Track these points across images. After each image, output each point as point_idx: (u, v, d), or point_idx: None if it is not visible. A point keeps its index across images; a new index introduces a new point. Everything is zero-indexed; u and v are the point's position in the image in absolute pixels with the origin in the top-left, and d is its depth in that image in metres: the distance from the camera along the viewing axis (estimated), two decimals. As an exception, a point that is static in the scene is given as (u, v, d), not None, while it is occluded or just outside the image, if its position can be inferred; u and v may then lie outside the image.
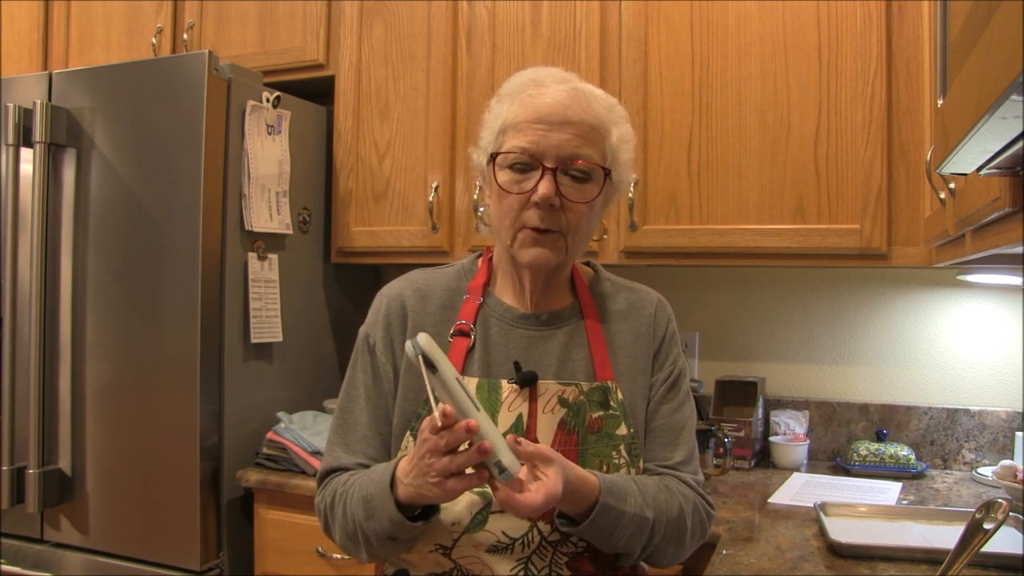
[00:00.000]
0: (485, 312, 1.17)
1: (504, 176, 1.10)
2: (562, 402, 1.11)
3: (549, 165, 1.07)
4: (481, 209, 1.21)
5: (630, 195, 1.97)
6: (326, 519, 1.13)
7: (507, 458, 0.93)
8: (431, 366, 0.92)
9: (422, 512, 1.02)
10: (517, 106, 1.10)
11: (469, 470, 0.94)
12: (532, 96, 1.10)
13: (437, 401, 0.94)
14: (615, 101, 1.16)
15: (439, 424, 0.91)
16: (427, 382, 0.93)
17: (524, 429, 1.09)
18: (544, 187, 1.06)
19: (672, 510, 1.08)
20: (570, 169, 1.08)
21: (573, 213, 1.09)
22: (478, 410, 0.94)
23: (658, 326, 1.21)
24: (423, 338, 0.93)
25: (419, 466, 0.95)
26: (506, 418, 1.09)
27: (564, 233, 1.10)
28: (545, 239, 1.09)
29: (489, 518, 1.06)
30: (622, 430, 1.12)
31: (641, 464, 1.14)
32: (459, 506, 1.05)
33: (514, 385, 1.10)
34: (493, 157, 1.12)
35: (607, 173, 1.12)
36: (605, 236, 2.03)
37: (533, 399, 1.10)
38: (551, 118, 1.07)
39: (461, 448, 0.94)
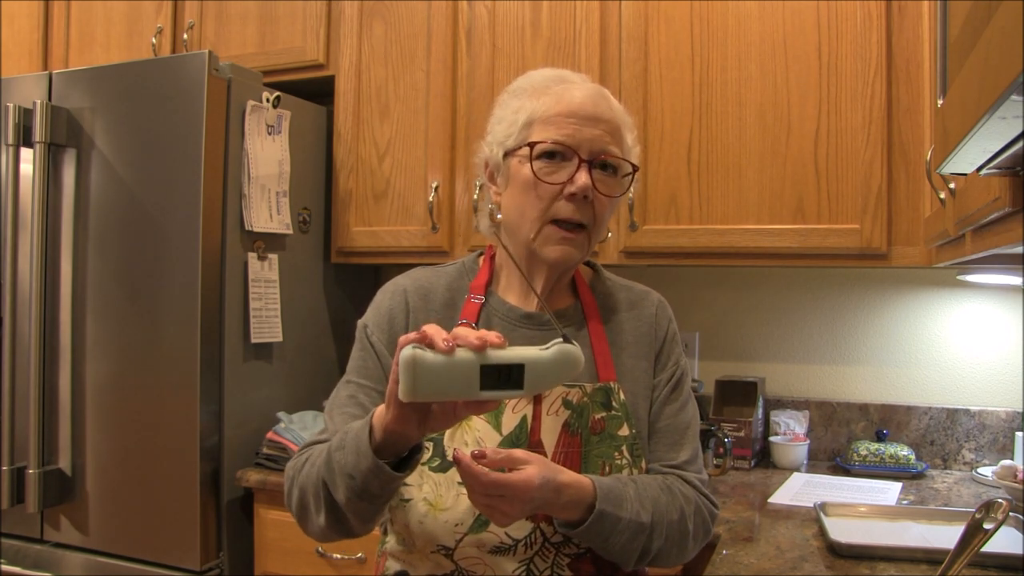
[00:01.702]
0: (487, 312, 1.17)
1: (535, 166, 1.09)
2: (566, 404, 1.10)
3: (584, 157, 1.08)
4: (491, 206, 1.19)
5: (630, 195, 1.97)
6: (291, 481, 1.09)
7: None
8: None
9: (397, 467, 0.96)
10: (547, 100, 1.10)
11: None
12: (562, 91, 1.11)
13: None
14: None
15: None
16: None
17: (528, 431, 1.08)
18: (583, 178, 1.07)
19: (672, 513, 1.07)
20: (601, 163, 1.10)
21: (600, 206, 1.10)
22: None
23: (659, 327, 1.21)
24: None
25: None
26: (510, 420, 1.09)
27: (589, 227, 1.11)
28: (571, 238, 1.10)
29: (492, 518, 1.05)
30: (624, 431, 1.12)
31: (643, 464, 1.13)
32: (462, 507, 1.05)
33: None
34: (517, 148, 1.11)
35: (635, 169, 1.14)
36: (608, 235, 2.03)
37: (538, 401, 1.09)
38: (582, 112, 1.09)
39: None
